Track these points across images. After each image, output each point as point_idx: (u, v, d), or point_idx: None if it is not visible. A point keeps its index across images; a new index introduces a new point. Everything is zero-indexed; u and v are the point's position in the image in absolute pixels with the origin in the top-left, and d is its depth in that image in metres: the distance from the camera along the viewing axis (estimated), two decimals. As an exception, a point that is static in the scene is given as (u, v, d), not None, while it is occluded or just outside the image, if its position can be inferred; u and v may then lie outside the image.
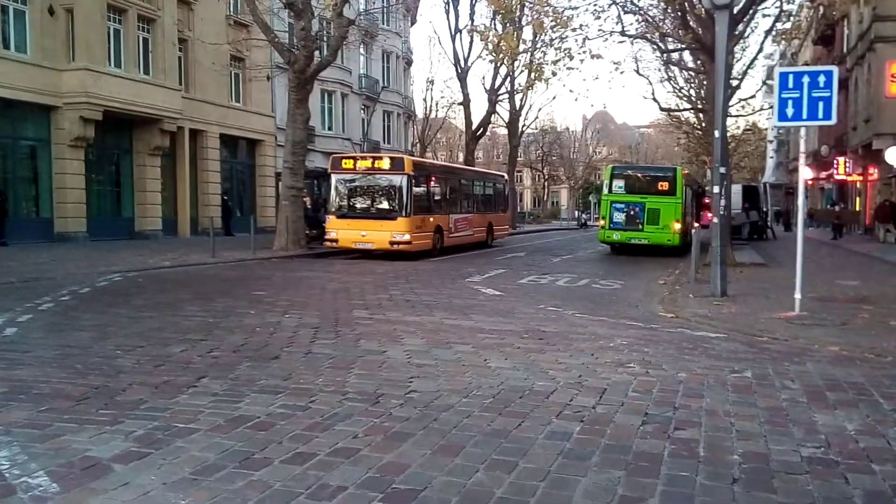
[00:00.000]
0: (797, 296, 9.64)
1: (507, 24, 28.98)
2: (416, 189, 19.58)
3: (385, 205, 19.54)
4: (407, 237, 18.94)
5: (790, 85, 9.50)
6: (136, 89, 23.80)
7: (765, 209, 35.64)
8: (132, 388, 5.31)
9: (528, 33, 31.10)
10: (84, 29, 22.15)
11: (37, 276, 12.88)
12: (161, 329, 7.92)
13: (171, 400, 5.02)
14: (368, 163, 19.71)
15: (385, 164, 19.47)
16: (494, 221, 26.94)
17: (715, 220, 11.95)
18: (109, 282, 12.60)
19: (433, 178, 21.75)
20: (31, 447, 4.00)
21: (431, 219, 20.68)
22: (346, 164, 19.78)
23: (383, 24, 41.70)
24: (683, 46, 22.34)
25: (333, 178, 19.96)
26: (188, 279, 13.53)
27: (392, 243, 18.92)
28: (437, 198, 21.96)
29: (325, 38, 25.23)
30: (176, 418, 4.59)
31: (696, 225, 17.38)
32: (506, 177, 31.66)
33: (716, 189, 11.88)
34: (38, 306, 9.43)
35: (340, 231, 19.34)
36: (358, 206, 19.83)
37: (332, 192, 20.01)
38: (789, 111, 9.53)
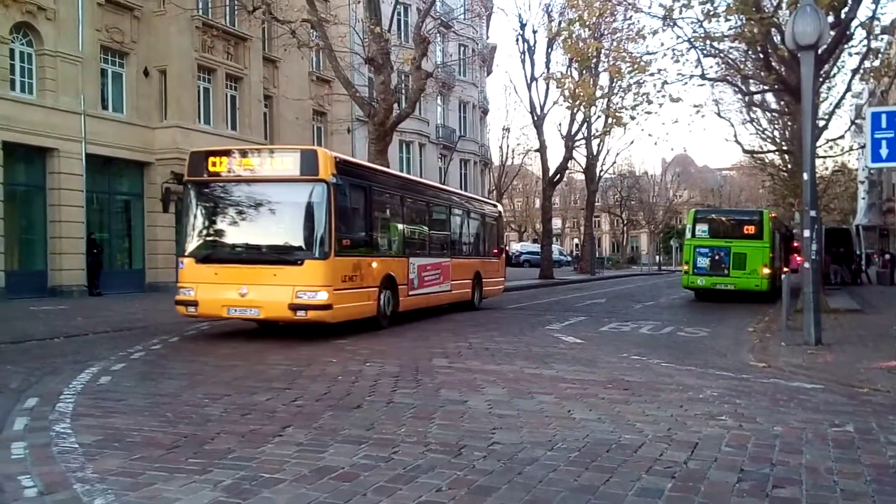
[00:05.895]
0: (899, 344, 9.13)
1: (584, 72, 29.09)
2: (343, 210, 11.30)
3: (283, 238, 11.57)
4: (323, 295, 10.90)
5: (883, 125, 9.20)
6: (224, 144, 24.77)
7: (858, 252, 34.18)
8: (220, 437, 5.40)
9: (604, 79, 31.13)
10: (176, 88, 23.32)
11: (129, 326, 13.39)
12: (246, 377, 8.07)
13: (258, 449, 5.07)
14: (253, 161, 11.56)
15: (282, 162, 11.45)
16: (483, 270, 18.61)
17: (806, 264, 11.51)
18: (197, 331, 12.98)
19: (378, 195, 13.36)
20: (124, 496, 4.10)
21: (375, 263, 12.54)
22: (214, 164, 11.51)
23: (460, 75, 42.52)
24: (766, 88, 21.90)
25: (192, 191, 11.77)
26: (271, 327, 13.79)
27: (295, 308, 10.85)
28: (386, 228, 13.85)
29: (403, 91, 25.81)
30: (262, 468, 4.62)
31: (786, 270, 16.80)
32: (499, 207, 23.49)
33: (806, 233, 11.47)
34: (131, 355, 9.77)
35: (202, 286, 11.24)
36: (235, 240, 11.75)
37: (190, 215, 11.80)
38: (883, 152, 9.22)
